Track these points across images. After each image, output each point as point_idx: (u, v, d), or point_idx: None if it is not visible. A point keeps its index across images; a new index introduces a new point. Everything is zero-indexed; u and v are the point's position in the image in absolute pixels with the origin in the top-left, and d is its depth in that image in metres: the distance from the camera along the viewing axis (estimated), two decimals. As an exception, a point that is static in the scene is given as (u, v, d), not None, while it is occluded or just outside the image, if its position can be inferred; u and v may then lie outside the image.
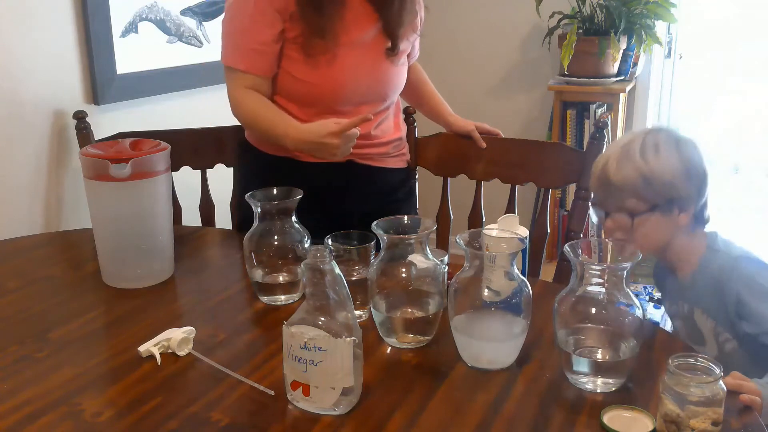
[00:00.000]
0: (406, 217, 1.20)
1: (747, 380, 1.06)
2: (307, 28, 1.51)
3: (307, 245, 1.31)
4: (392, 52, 1.61)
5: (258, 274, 1.34)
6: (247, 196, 1.31)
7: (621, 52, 2.82)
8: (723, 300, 1.31)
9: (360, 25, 1.56)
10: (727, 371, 1.34)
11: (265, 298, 1.34)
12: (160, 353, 1.13)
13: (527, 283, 1.09)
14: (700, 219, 1.38)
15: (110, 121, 2.06)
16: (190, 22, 2.34)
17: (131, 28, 2.13)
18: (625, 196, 1.33)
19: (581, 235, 1.77)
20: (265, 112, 1.56)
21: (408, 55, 1.71)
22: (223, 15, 1.59)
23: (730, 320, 1.31)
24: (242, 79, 1.56)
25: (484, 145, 1.82)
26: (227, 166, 1.97)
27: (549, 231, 1.81)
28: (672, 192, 1.32)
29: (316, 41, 1.52)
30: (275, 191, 1.33)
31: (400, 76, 1.68)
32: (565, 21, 2.90)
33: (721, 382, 0.89)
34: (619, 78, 2.90)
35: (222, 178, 2.01)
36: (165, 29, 2.25)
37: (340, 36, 1.53)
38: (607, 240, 1.20)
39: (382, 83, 1.63)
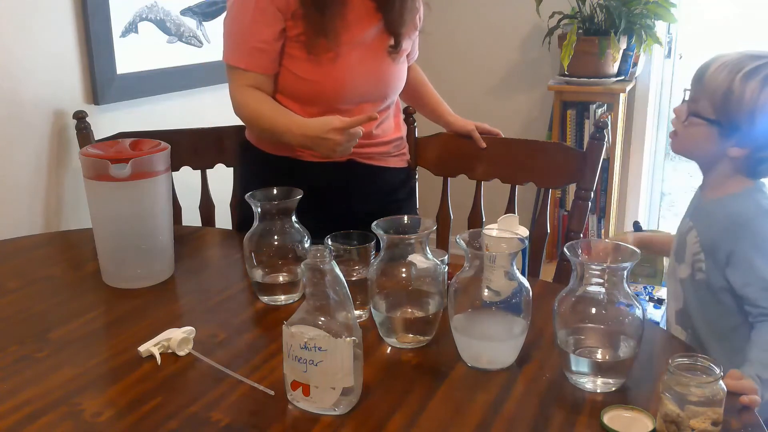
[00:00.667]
0: (406, 217, 1.20)
1: (745, 379, 1.06)
2: (309, 27, 1.51)
3: (307, 245, 1.31)
4: (394, 50, 1.61)
5: (258, 274, 1.34)
6: (247, 196, 1.31)
7: (621, 52, 2.82)
8: (723, 239, 1.27)
9: (362, 25, 1.56)
10: (689, 299, 1.34)
11: (265, 298, 1.34)
12: (160, 353, 1.13)
13: (527, 283, 1.09)
14: (753, 170, 1.30)
15: (110, 121, 2.06)
16: (190, 22, 2.34)
17: (131, 28, 2.13)
18: (702, 95, 1.30)
19: (581, 235, 1.77)
20: (267, 109, 1.56)
21: (407, 56, 1.72)
22: (223, 15, 1.59)
23: (716, 261, 1.28)
24: (244, 77, 1.56)
25: (484, 145, 1.82)
26: (227, 166, 1.97)
27: (549, 231, 1.81)
28: (741, 121, 1.25)
29: (319, 40, 1.52)
30: (275, 191, 1.33)
31: (400, 75, 1.68)
32: (565, 21, 2.90)
33: (721, 382, 0.89)
34: (619, 78, 2.90)
35: (222, 178, 2.01)
36: (165, 29, 2.25)
37: (342, 35, 1.53)
38: (606, 240, 1.19)
39: (383, 82, 1.63)
